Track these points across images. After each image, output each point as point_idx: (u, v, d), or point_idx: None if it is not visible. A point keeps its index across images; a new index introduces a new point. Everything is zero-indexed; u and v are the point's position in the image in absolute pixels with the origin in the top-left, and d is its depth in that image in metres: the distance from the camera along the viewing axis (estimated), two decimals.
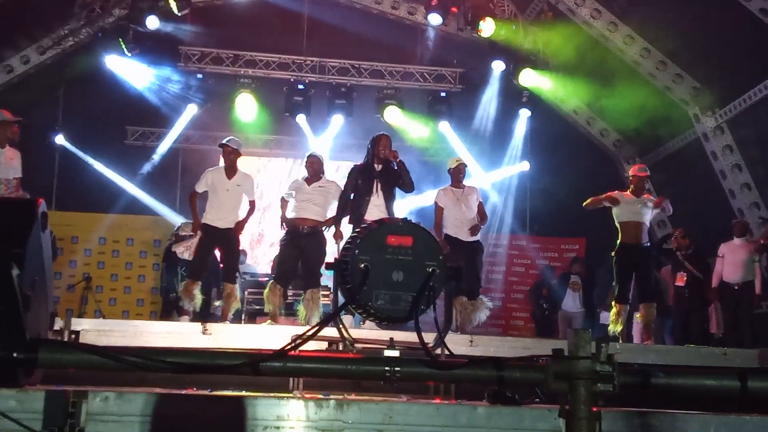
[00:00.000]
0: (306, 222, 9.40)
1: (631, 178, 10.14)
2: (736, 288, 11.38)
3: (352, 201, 9.25)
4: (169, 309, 12.35)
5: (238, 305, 9.91)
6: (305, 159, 10.02)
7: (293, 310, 10.38)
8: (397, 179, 9.21)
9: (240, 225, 9.56)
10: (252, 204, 9.80)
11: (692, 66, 14.12)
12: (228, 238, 9.55)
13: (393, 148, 9.40)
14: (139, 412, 3.30)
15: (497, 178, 16.81)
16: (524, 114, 16.38)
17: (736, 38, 12.46)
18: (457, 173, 10.07)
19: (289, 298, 10.89)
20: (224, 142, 10.01)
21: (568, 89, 15.88)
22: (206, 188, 9.65)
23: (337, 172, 15.02)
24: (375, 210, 8.97)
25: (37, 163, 14.27)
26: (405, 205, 13.45)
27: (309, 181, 9.68)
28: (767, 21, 11.78)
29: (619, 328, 9.68)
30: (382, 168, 9.20)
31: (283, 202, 9.88)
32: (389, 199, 9.15)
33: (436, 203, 10.07)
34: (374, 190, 9.08)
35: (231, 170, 9.66)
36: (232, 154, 9.75)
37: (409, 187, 9.29)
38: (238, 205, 9.69)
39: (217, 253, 9.95)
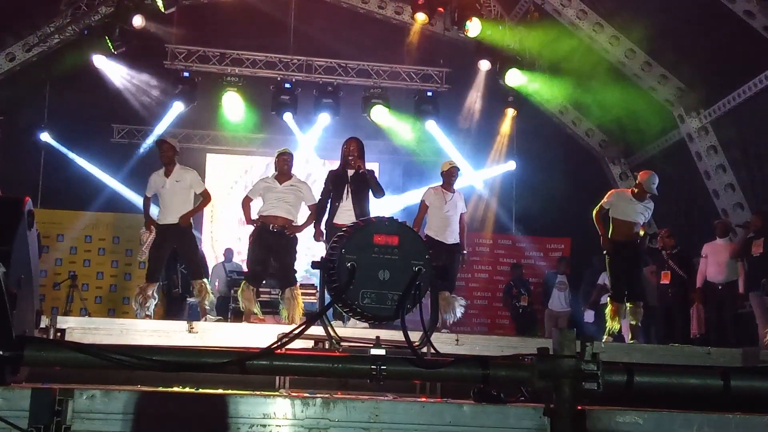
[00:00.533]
0: (277, 220, 9.38)
1: (638, 182, 10.05)
2: (719, 288, 11.46)
3: (331, 202, 9.36)
4: (173, 306, 12.39)
5: (211, 298, 9.86)
6: (276, 156, 9.95)
7: (271, 308, 10.42)
8: (368, 185, 9.29)
9: (184, 218, 9.54)
10: (205, 195, 9.83)
11: (677, 67, 14.18)
12: (180, 234, 9.55)
13: (367, 150, 9.54)
14: (125, 410, 3.30)
15: (484, 177, 16.87)
16: (510, 113, 16.44)
17: (721, 40, 12.52)
18: (449, 176, 10.14)
19: (268, 296, 10.93)
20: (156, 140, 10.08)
21: (554, 90, 15.93)
22: (154, 191, 9.74)
23: (324, 167, 15.13)
24: (344, 214, 9.06)
25: (23, 161, 14.24)
26: (390, 205, 13.50)
27: (280, 179, 9.64)
28: (751, 23, 11.85)
29: (617, 326, 9.72)
30: (354, 173, 9.27)
31: (247, 201, 9.82)
32: (360, 203, 9.20)
33: (422, 200, 10.16)
34: (344, 195, 9.18)
35: (168, 168, 9.67)
36: (167, 152, 9.76)
37: (378, 194, 9.34)
38: (184, 200, 9.67)
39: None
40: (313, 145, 16.46)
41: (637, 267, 10.11)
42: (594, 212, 10.04)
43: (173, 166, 9.68)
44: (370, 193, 9.30)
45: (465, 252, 10.30)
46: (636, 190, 9.93)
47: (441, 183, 10.21)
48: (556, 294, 14.71)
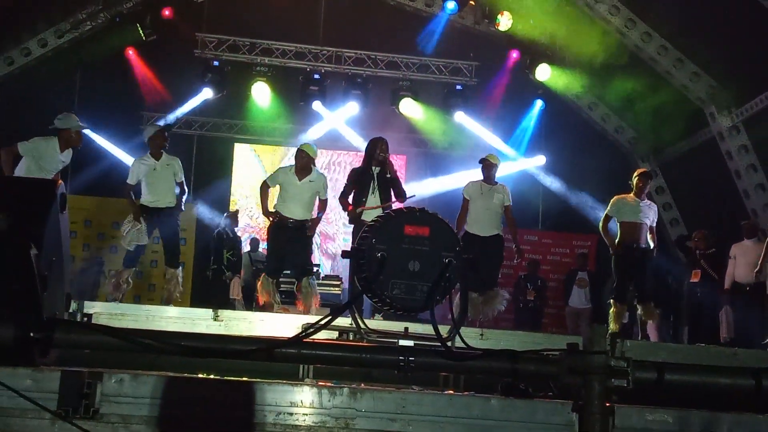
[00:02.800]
0: (294, 217, 9.40)
1: (633, 181, 10.11)
2: (748, 288, 11.36)
3: (356, 197, 9.45)
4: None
5: (180, 289, 9.84)
6: (297, 150, 9.82)
7: (290, 298, 10.44)
8: (392, 180, 9.45)
9: (178, 204, 9.64)
10: (180, 185, 9.82)
11: (709, 65, 14.05)
12: (166, 218, 9.53)
13: (395, 143, 9.93)
14: (153, 394, 3.31)
15: (513, 170, 16.75)
16: (538, 105, 16.37)
17: (755, 37, 12.38)
18: (485, 169, 10.10)
19: (285, 286, 10.96)
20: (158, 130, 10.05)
21: (584, 85, 15.84)
22: (137, 178, 9.67)
23: (351, 165, 15.14)
24: (370, 211, 9.13)
25: None
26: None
27: (299, 174, 9.54)
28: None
29: (616, 328, 9.66)
30: (380, 171, 9.40)
31: (265, 188, 9.82)
32: (386, 200, 9.35)
33: (463, 195, 10.17)
34: (370, 191, 9.33)
35: (157, 154, 9.66)
36: (165, 141, 9.80)
37: (401, 198, 9.44)
38: (171, 186, 9.67)
39: None
40: (343, 123, 16.44)
41: (646, 268, 10.04)
42: (600, 225, 10.09)
43: (160, 153, 9.69)
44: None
45: (518, 247, 10.26)
46: (634, 191, 9.97)
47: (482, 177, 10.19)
48: (576, 291, 14.63)
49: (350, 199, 9.50)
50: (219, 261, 13.74)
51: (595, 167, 15.16)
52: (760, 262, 10.83)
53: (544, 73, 15.65)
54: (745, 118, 13.91)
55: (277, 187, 9.74)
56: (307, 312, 9.08)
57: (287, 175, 9.66)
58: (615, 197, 10.15)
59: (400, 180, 9.74)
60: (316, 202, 9.62)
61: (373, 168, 9.43)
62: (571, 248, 16.78)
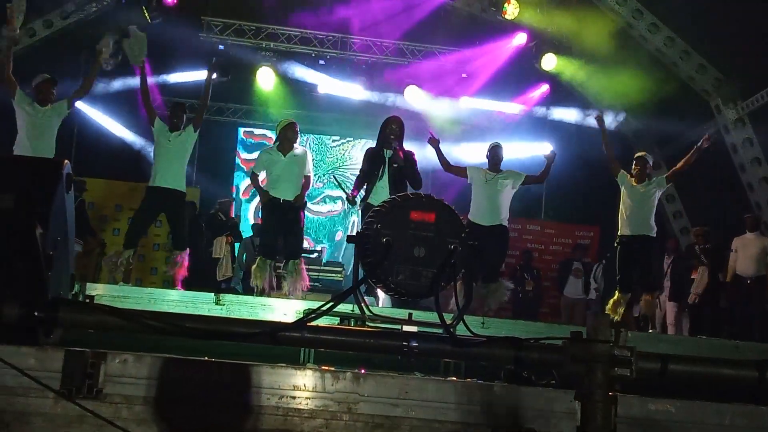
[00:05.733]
0: (284, 197, 9.27)
1: (632, 164, 10.01)
2: (748, 282, 11.38)
3: (367, 182, 9.17)
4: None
5: (185, 273, 9.68)
6: (281, 125, 9.66)
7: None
8: (407, 166, 9.05)
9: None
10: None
11: (716, 57, 14.01)
12: (174, 200, 9.36)
13: (407, 131, 9.27)
14: (156, 375, 3.31)
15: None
16: (543, 88, 16.36)
17: (761, 30, 12.34)
18: (489, 157, 10.03)
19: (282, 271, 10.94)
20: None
21: (589, 75, 15.79)
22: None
23: (360, 151, 15.13)
24: (381, 193, 8.84)
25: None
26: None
27: (283, 150, 9.38)
28: None
29: (616, 317, 9.60)
30: (393, 154, 9.03)
31: (255, 178, 9.70)
32: (396, 186, 8.96)
33: (466, 166, 10.18)
34: (380, 174, 9.02)
35: (173, 126, 9.48)
36: (182, 114, 9.68)
37: (416, 183, 9.11)
38: (183, 164, 9.48)
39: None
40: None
41: (649, 257, 9.98)
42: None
43: (179, 124, 9.54)
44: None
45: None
46: (635, 177, 9.84)
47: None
48: (572, 281, 14.64)
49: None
50: (211, 243, 13.63)
51: (598, 158, 15.12)
52: None
53: (550, 62, 15.63)
54: (750, 111, 13.88)
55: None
56: (292, 294, 9.04)
57: (270, 154, 9.52)
58: (623, 172, 9.96)
59: (416, 168, 9.18)
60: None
61: (385, 151, 9.09)
62: (573, 238, 16.78)
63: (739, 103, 14.00)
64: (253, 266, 9.53)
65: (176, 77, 15.97)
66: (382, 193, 8.86)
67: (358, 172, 9.44)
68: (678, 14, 13.84)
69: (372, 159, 9.16)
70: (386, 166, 9.01)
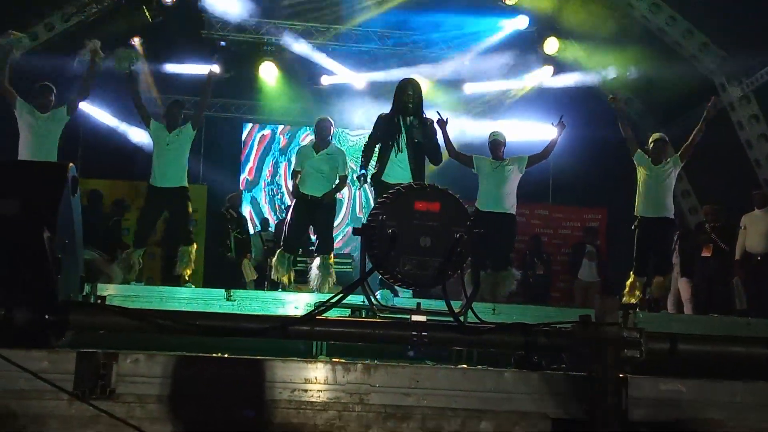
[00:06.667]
0: (312, 194, 9.35)
1: (649, 145, 9.98)
2: (758, 258, 11.34)
3: (379, 154, 8.23)
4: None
5: (193, 267, 9.77)
6: (315, 124, 9.84)
7: (305, 277, 10.43)
8: (427, 138, 8.06)
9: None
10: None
11: (719, 35, 13.94)
12: (176, 198, 9.38)
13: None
14: (168, 373, 3.33)
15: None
16: (548, 71, 16.32)
17: (764, 6, 12.27)
18: (491, 147, 10.01)
19: (304, 266, 10.96)
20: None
21: (592, 57, 15.74)
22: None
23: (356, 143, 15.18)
24: (397, 170, 7.97)
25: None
26: None
27: (317, 147, 9.54)
28: None
29: (633, 300, 9.58)
30: (412, 121, 8.00)
31: (295, 175, 9.73)
32: (417, 159, 8.02)
33: (473, 155, 9.99)
34: (397, 146, 7.95)
35: (171, 125, 9.52)
36: (174, 108, 9.70)
37: (437, 160, 8.25)
38: (183, 163, 9.48)
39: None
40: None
41: (668, 241, 9.96)
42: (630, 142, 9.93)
43: (178, 122, 9.58)
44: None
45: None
46: (652, 159, 9.81)
47: None
48: (586, 263, 14.62)
49: (374, 156, 8.25)
50: (224, 241, 13.77)
51: (604, 139, 15.10)
52: None
53: (552, 46, 15.61)
54: (755, 88, 13.83)
55: None
56: (319, 290, 9.09)
57: (306, 150, 9.66)
58: (641, 152, 9.88)
59: (437, 139, 8.24)
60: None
61: (401, 118, 8.00)
62: (582, 222, 16.77)
63: (744, 80, 13.95)
64: (273, 259, 9.60)
65: (178, 70, 15.93)
66: (398, 169, 7.99)
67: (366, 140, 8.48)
68: None
69: (386, 127, 8.09)
70: (402, 135, 7.95)
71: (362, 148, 8.42)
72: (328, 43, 16.19)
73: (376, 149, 8.26)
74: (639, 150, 9.84)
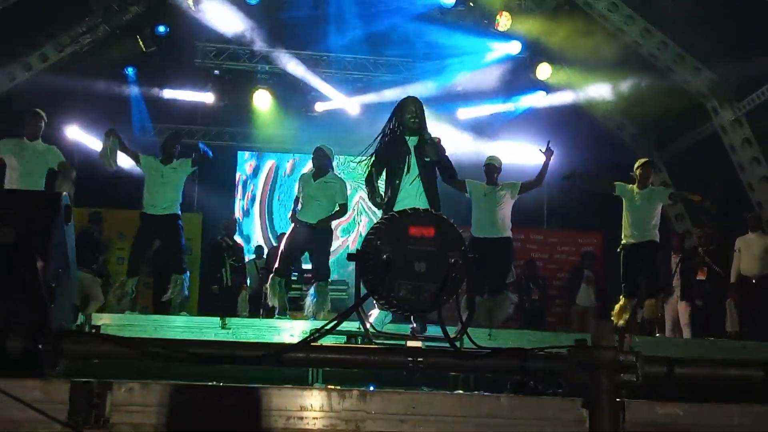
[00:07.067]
0: (309, 221, 9.37)
1: (636, 172, 10.02)
2: (753, 281, 11.37)
3: (387, 182, 7.30)
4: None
5: (185, 294, 9.78)
6: (313, 152, 9.86)
7: (300, 305, 10.42)
8: (438, 156, 7.18)
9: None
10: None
11: (710, 59, 14.05)
12: (168, 227, 9.41)
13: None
14: (163, 402, 3.30)
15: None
16: (541, 95, 16.41)
17: (754, 30, 12.37)
18: (488, 173, 10.02)
19: (293, 293, 10.94)
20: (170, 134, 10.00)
21: (584, 83, 15.84)
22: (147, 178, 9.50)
23: (355, 168, 15.12)
24: (410, 194, 7.06)
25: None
26: None
27: (315, 175, 9.60)
28: None
29: (621, 322, 9.59)
30: (419, 140, 7.12)
31: (296, 201, 9.79)
32: (431, 181, 7.18)
33: (465, 180, 9.74)
34: (405, 169, 7.06)
35: (168, 158, 9.51)
36: (170, 141, 9.72)
37: (451, 175, 7.54)
38: (178, 192, 9.48)
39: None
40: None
41: (654, 264, 9.98)
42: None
43: (173, 156, 9.57)
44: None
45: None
46: (637, 182, 9.90)
47: None
48: (584, 288, 14.63)
49: (380, 182, 7.30)
50: (219, 269, 13.76)
51: (597, 163, 15.16)
52: None
53: (544, 72, 15.70)
54: (747, 111, 13.91)
55: None
56: (315, 317, 9.08)
57: (306, 178, 9.73)
58: (619, 184, 9.95)
59: (447, 157, 7.33)
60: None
61: (408, 138, 7.11)
62: (577, 246, 16.80)
63: (735, 103, 14.03)
64: (266, 285, 9.61)
65: (172, 99, 15.97)
66: (411, 194, 7.07)
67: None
68: (670, 19, 13.88)
69: (392, 149, 7.16)
70: (412, 156, 7.09)
71: (364, 179, 7.39)
72: (322, 71, 16.23)
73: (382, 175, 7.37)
74: (617, 183, 9.93)
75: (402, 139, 7.11)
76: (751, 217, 12.01)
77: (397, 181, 7.07)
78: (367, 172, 7.31)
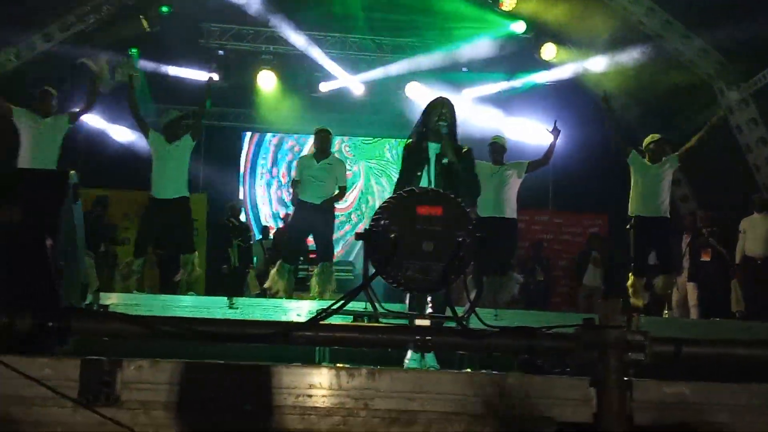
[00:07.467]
0: (312, 201, 9.38)
1: (646, 146, 9.89)
2: (759, 262, 11.35)
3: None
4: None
5: (198, 272, 9.77)
6: (314, 133, 9.88)
7: (306, 285, 10.43)
8: (463, 166, 6.35)
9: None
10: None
11: (716, 39, 13.97)
12: (176, 209, 9.36)
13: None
14: (172, 380, 3.32)
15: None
16: (546, 77, 16.36)
17: (761, 9, 12.29)
18: (493, 153, 9.97)
19: (301, 273, 10.95)
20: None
21: (589, 63, 15.76)
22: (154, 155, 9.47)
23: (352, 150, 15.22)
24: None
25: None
26: None
27: (318, 156, 9.60)
28: None
29: (640, 302, 9.50)
30: (443, 147, 6.33)
31: (294, 184, 9.77)
32: (448, 189, 5.58)
33: None
34: (422, 177, 6.28)
35: (171, 136, 9.44)
36: (175, 120, 9.63)
37: (473, 190, 6.51)
38: (183, 171, 9.42)
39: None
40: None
41: (667, 239, 9.89)
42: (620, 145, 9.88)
43: (178, 134, 9.49)
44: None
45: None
46: (649, 157, 9.73)
47: None
48: (591, 269, 14.64)
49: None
50: (225, 250, 13.81)
51: (603, 144, 15.11)
52: None
53: (549, 52, 15.64)
54: (753, 91, 13.86)
55: None
56: (321, 297, 9.10)
57: (306, 160, 9.74)
58: (634, 152, 9.78)
59: (475, 171, 6.55)
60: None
61: (430, 145, 6.39)
62: (582, 228, 16.78)
63: (742, 84, 13.98)
64: (273, 270, 9.60)
65: (176, 79, 15.92)
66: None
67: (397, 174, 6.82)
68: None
69: (411, 157, 6.50)
70: (432, 165, 6.34)
71: (393, 188, 6.62)
72: (327, 51, 16.15)
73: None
74: (633, 150, 9.78)
75: (423, 145, 6.39)
76: (757, 198, 11.97)
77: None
78: (396, 182, 6.57)
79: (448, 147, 6.21)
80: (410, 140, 6.52)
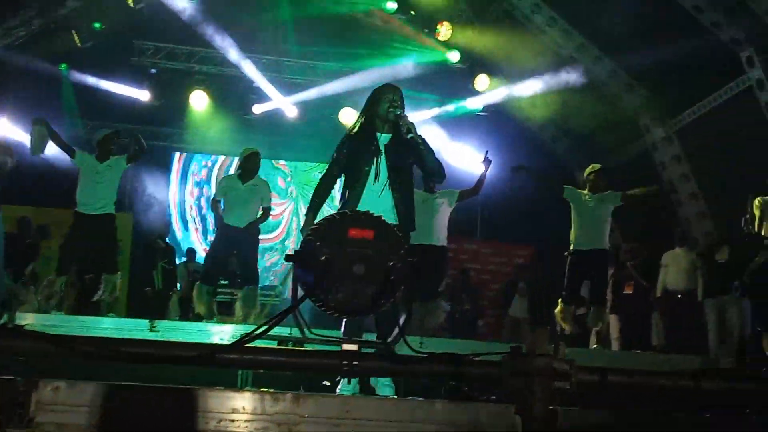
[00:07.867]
0: (238, 225, 9.16)
1: (586, 176, 9.74)
2: (679, 296, 11.56)
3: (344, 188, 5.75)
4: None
5: (117, 294, 9.67)
6: (241, 155, 9.66)
7: (230, 309, 10.29)
8: (416, 157, 5.70)
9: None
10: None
11: (643, 75, 14.31)
12: (102, 227, 9.23)
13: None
14: (91, 402, 3.21)
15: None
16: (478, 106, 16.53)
17: (688, 50, 12.61)
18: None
19: (230, 296, 10.82)
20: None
21: (520, 95, 15.98)
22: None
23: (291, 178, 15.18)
24: (375, 203, 5.36)
25: None
26: None
27: (243, 178, 9.34)
28: (699, 18, 12.02)
29: (569, 328, 9.44)
30: (393, 138, 5.69)
31: (214, 204, 9.56)
32: (405, 191, 5.66)
33: None
34: (371, 174, 5.56)
35: (104, 155, 9.32)
36: (108, 138, 9.46)
37: (434, 173, 5.86)
38: (112, 190, 9.30)
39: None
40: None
41: (603, 273, 9.89)
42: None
43: (109, 151, 9.36)
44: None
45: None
46: (589, 187, 9.56)
47: None
48: (518, 300, 14.77)
49: (337, 189, 5.86)
50: (150, 271, 13.57)
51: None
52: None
53: (483, 83, 15.83)
54: (678, 129, 14.22)
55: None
56: (245, 321, 8.98)
57: (230, 181, 9.51)
58: (569, 188, 9.60)
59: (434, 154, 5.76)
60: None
61: (379, 135, 5.68)
62: (509, 258, 16.95)
63: (667, 120, 14.33)
64: (194, 292, 9.46)
65: (107, 97, 15.66)
66: (377, 198, 5.50)
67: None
68: (605, 35, 14.09)
69: (356, 149, 5.70)
70: (381, 158, 5.58)
71: (318, 180, 5.94)
72: (261, 74, 16.08)
73: (339, 180, 5.90)
74: (566, 187, 9.70)
75: (371, 136, 5.66)
76: (678, 232, 12.24)
77: (359, 189, 5.55)
78: (323, 175, 5.88)
79: (409, 123, 5.55)
80: (354, 130, 5.79)
